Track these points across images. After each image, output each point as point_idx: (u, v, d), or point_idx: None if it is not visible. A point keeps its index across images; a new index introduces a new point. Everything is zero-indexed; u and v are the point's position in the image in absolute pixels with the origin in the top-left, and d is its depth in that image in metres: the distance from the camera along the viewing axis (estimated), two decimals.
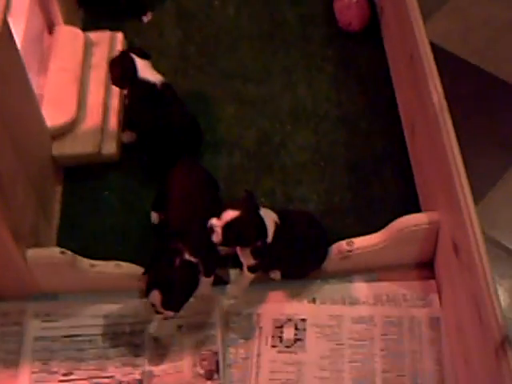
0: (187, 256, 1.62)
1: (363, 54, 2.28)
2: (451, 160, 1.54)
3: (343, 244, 1.77)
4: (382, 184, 1.98)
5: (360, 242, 1.76)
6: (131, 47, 2.24)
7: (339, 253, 1.77)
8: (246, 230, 1.61)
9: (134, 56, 1.97)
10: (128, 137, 2.08)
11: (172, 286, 1.60)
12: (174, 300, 1.61)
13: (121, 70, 1.97)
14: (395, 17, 2.06)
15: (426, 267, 1.81)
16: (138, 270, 1.76)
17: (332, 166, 2.03)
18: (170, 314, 1.62)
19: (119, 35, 2.30)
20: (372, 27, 2.32)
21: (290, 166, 2.04)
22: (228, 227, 1.60)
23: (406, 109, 2.00)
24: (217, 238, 1.61)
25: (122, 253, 1.84)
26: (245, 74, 2.26)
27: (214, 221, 1.61)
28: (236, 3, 2.45)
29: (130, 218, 1.95)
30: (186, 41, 2.35)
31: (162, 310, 1.60)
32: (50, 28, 2.27)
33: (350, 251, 1.76)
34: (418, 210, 1.86)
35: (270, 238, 1.65)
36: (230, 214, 1.60)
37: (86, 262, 1.75)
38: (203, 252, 1.65)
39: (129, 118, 2.07)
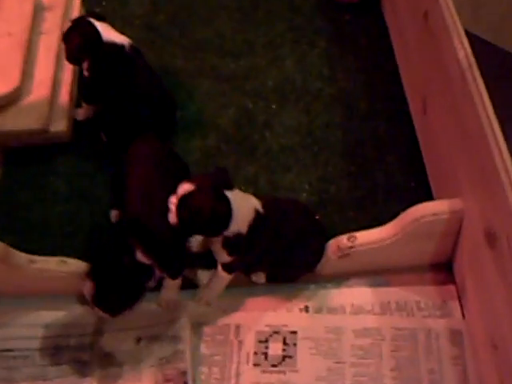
0: (139, 256, 1.29)
1: (360, 27, 1.97)
2: (486, 126, 1.21)
3: (343, 239, 1.44)
4: (386, 171, 1.66)
5: (364, 236, 1.44)
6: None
7: (338, 250, 1.44)
8: (201, 208, 1.26)
9: (91, 19, 1.64)
10: (84, 113, 1.76)
11: (111, 283, 1.27)
12: (108, 300, 1.29)
13: (81, 37, 1.62)
14: None
15: (442, 270, 1.49)
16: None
17: (327, 151, 1.71)
18: (101, 313, 1.30)
19: (76, 0, 1.96)
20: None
21: (277, 151, 1.71)
22: (182, 203, 1.27)
23: (415, 83, 1.68)
24: (172, 218, 1.28)
25: (70, 248, 1.51)
26: (222, 47, 1.94)
27: (171, 198, 1.28)
28: None
29: (81, 208, 1.61)
30: (154, 10, 2.03)
31: (92, 305, 1.30)
32: None
33: (351, 248, 1.43)
34: (430, 200, 1.54)
35: (244, 228, 1.32)
36: (185, 188, 1.27)
37: (23, 257, 1.40)
38: (160, 252, 1.32)
39: (89, 89, 1.72)
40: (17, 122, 1.67)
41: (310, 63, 1.89)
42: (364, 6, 2.01)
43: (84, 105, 1.75)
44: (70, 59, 1.67)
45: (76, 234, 1.56)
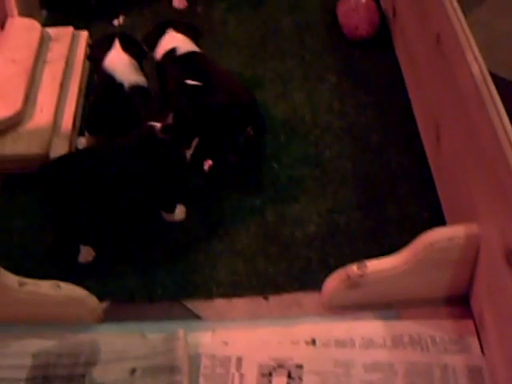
0: None
1: (371, 62, 1.95)
2: (504, 142, 1.14)
3: (353, 267, 1.36)
4: (399, 203, 1.59)
5: (375, 264, 1.35)
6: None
7: (348, 279, 1.35)
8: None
9: (117, 41, 1.70)
10: (86, 142, 1.71)
11: None
12: None
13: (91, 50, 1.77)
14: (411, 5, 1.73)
15: (459, 304, 1.39)
16: (82, 293, 1.35)
17: (336, 183, 1.64)
18: None
19: (83, 33, 1.97)
20: (380, 35, 1.99)
21: (284, 182, 1.65)
22: None
23: (428, 111, 1.63)
24: None
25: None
26: None
27: None
28: (222, 8, 2.13)
29: None
30: None
31: None
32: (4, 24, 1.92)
33: (361, 276, 1.34)
34: None
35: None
36: None
37: (12, 280, 1.33)
38: None
39: (90, 117, 1.69)
40: (17, 146, 1.63)
41: (319, 97, 1.85)
42: (374, 41, 1.98)
43: (87, 134, 1.71)
44: None
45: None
